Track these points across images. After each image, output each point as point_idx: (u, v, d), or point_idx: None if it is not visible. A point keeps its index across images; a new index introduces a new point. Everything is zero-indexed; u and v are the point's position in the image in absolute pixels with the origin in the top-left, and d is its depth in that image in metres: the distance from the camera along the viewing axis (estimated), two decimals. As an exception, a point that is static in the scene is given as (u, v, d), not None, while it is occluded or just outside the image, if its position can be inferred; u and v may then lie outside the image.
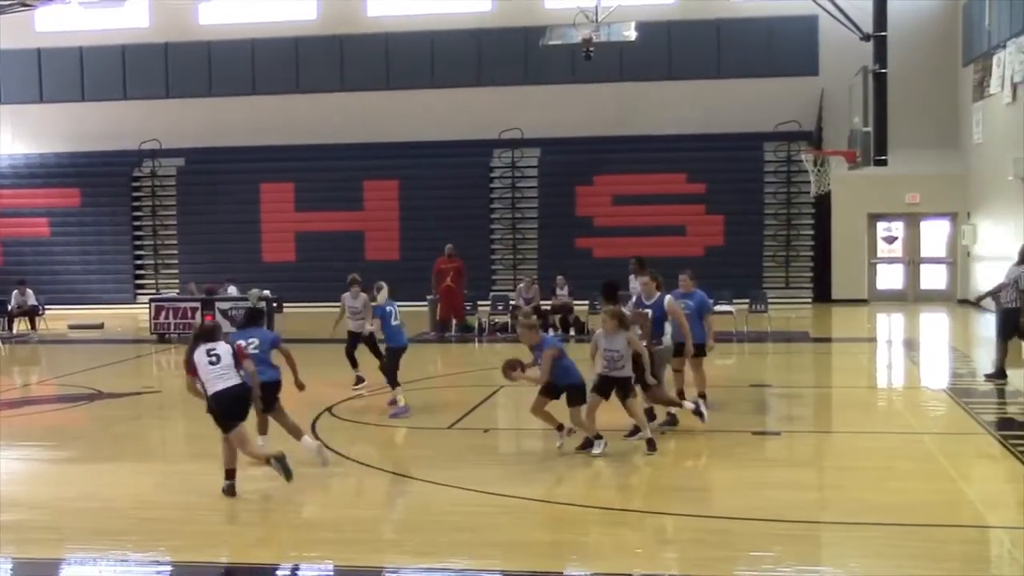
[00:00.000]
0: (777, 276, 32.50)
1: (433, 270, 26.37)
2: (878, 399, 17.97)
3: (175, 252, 35.35)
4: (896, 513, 10.20)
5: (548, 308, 25.72)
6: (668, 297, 14.30)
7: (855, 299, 31.84)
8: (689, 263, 30.48)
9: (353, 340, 17.71)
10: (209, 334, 11.40)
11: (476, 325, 26.24)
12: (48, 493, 12.08)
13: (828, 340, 25.45)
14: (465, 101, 34.03)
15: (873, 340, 25.48)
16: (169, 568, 9.63)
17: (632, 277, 18.91)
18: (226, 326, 21.54)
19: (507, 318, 25.97)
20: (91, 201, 35.53)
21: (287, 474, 11.15)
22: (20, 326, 28.25)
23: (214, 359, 11.16)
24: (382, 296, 16.35)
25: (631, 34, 26.49)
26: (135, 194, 35.81)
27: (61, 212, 35.51)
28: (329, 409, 15.83)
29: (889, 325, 28.49)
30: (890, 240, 32.89)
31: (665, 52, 32.94)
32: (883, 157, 19.56)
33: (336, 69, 34.85)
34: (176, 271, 34.87)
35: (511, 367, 12.75)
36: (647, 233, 31.92)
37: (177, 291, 31.44)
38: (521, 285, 27.09)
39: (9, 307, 28.15)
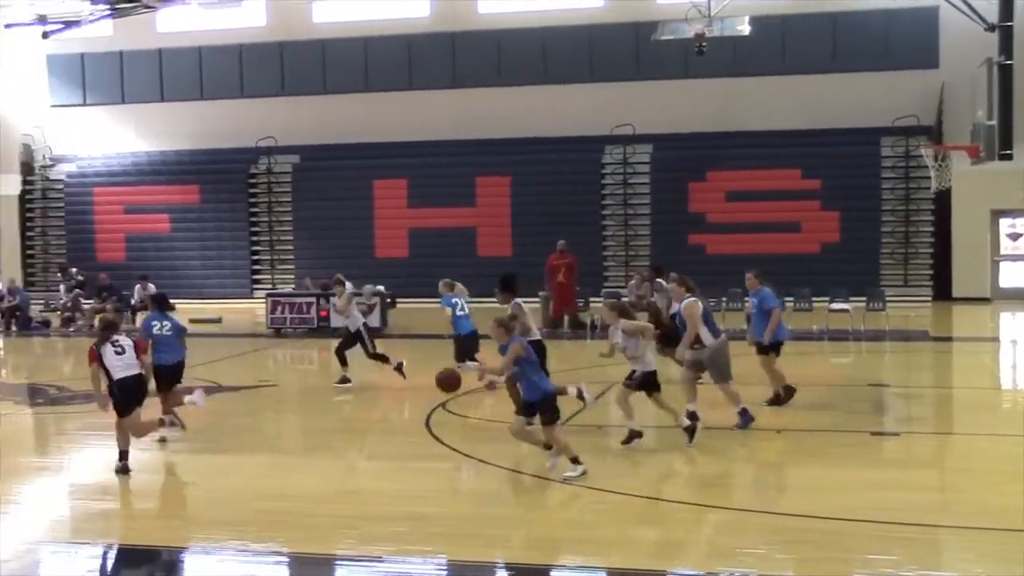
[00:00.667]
0: (895, 274, 31.87)
1: (545, 266, 26.40)
2: (1001, 400, 17.54)
3: (291, 248, 35.88)
4: (1017, 518, 9.95)
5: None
6: (686, 301, 14.15)
7: (977, 297, 31.06)
8: (804, 260, 30.56)
9: (347, 339, 18.47)
10: (115, 327, 12.77)
11: (589, 322, 26.16)
12: (170, 483, 12.36)
13: (948, 339, 24.88)
14: (577, 97, 33.95)
15: (996, 340, 24.87)
16: (287, 559, 9.79)
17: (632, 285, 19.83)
18: (338, 320, 21.73)
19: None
20: (210, 198, 36.24)
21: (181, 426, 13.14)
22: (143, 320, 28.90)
23: (120, 350, 12.35)
24: (459, 289, 17.78)
25: (744, 28, 26.20)
26: (252, 191, 36.43)
27: (181, 208, 36.28)
28: (443, 404, 15.93)
29: (1013, 324, 27.77)
30: (1014, 237, 32.02)
31: (779, 46, 32.46)
32: (1008, 151, 19.11)
33: (448, 66, 35.02)
34: (292, 267, 35.40)
35: (451, 381, 12.48)
36: (761, 230, 31.56)
37: (293, 286, 31.91)
38: (632, 282, 26.96)
39: (132, 301, 28.85)
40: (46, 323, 29.38)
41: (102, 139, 37.64)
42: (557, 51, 34.12)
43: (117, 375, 12.31)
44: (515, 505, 11.39)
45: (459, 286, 18.00)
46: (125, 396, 12.35)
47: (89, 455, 14.37)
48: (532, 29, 34.15)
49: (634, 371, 13.22)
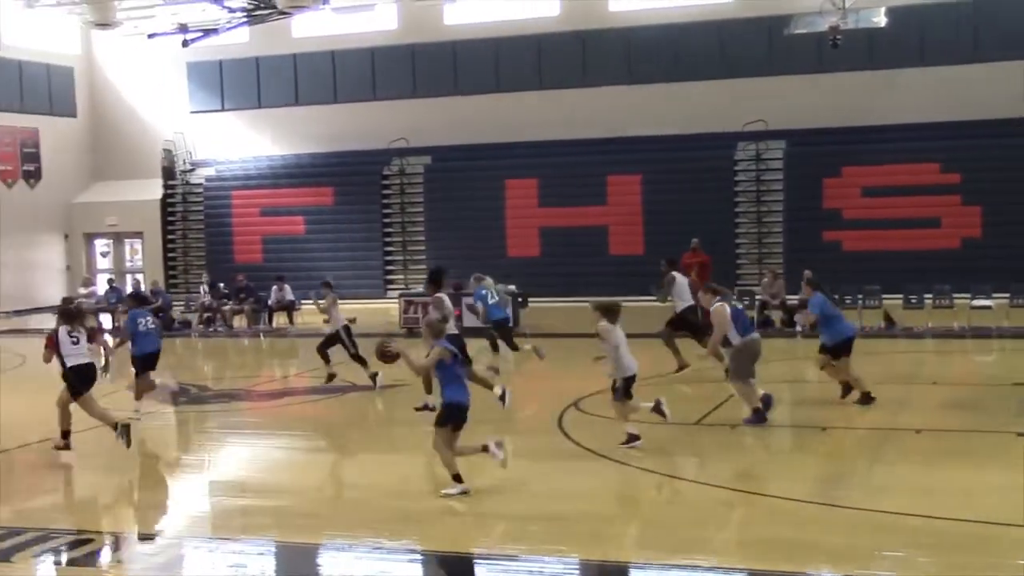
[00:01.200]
0: (1040, 269, 30.82)
1: (680, 264, 26.13)
2: None
3: (423, 248, 36.18)
4: None
5: (795, 303, 25.15)
6: (716, 305, 14.52)
7: None
8: (944, 256, 29.73)
9: (328, 338, 19.44)
10: (71, 317, 13.87)
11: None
12: (307, 481, 12.55)
13: (1097, 336, 23.99)
14: (708, 93, 33.56)
15: None
16: (422, 557, 9.85)
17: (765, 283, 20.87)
18: (471, 320, 21.97)
19: (753, 313, 25.53)
20: (343, 199, 36.75)
21: (127, 442, 13.25)
22: (279, 320, 29.49)
23: (75, 339, 13.56)
24: (487, 282, 19.80)
25: (881, 20, 25.64)
26: (384, 192, 36.84)
27: (315, 210, 36.87)
28: (575, 403, 15.89)
29: None
30: None
31: (917, 37, 31.64)
32: None
33: (578, 65, 34.95)
34: (424, 267, 35.66)
35: (385, 349, 12.76)
36: (899, 226, 30.79)
37: (424, 287, 32.16)
38: (765, 280, 26.61)
39: (269, 302, 29.42)
40: (187, 324, 30.12)
41: (239, 143, 38.48)
42: (688, 47, 33.79)
43: (71, 362, 13.48)
44: (647, 505, 11.29)
45: (487, 279, 19.93)
46: (79, 381, 13.51)
47: (229, 453, 14.69)
48: (662, 25, 33.88)
49: (615, 381, 13.10)
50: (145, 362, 16.64)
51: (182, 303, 32.21)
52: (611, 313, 13.18)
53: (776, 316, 25.60)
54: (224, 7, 29.79)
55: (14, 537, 10.23)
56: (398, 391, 18.14)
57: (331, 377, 18.90)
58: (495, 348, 19.89)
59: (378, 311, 33.23)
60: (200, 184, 38.65)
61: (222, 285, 30.47)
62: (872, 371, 15.30)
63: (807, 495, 11.07)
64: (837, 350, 15.44)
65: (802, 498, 10.87)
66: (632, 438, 13.06)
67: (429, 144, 36.06)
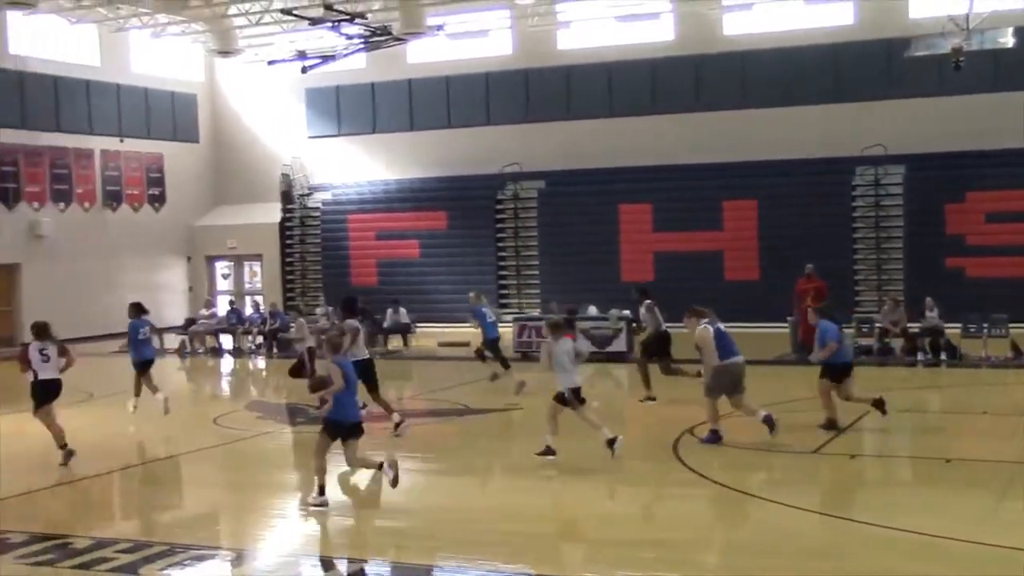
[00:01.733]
0: None
1: (793, 291, 25.82)
2: None
3: (536, 272, 36.26)
4: None
5: (916, 331, 24.64)
6: (699, 328, 14.99)
7: None
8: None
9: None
10: (42, 334, 14.73)
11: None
12: (423, 502, 12.60)
13: None
14: (825, 117, 33.10)
15: None
16: (534, 581, 9.83)
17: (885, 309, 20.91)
18: (585, 345, 21.89)
19: (872, 340, 25.06)
20: (457, 223, 37.00)
21: (65, 462, 14.29)
22: (394, 343, 29.76)
23: (45, 357, 14.60)
24: (485, 300, 22.96)
25: (1008, 40, 25.05)
26: (498, 216, 37.01)
27: (429, 234, 37.17)
28: (691, 429, 15.73)
29: None
30: None
31: (1046, 57, 30.84)
32: None
33: (692, 89, 34.77)
34: (537, 291, 35.76)
35: (319, 386, 12.55)
36: (1025, 252, 30.06)
37: (539, 310, 32.21)
38: (885, 307, 26.10)
39: (384, 325, 29.71)
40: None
41: (355, 168, 39.02)
42: (804, 70, 33.38)
43: (41, 376, 14.62)
44: (762, 533, 11.09)
45: (484, 298, 23.27)
46: (44, 394, 14.69)
47: (344, 473, 14.82)
48: (778, 49, 33.53)
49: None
50: (144, 367, 18.50)
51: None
52: (556, 329, 14.17)
53: (896, 344, 25.04)
54: (341, 34, 30.23)
55: (142, 550, 10.47)
56: (511, 415, 18.15)
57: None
58: (506, 366, 21.93)
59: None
60: (317, 208, 39.26)
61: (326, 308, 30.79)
62: (1000, 402, 14.87)
63: (926, 527, 10.67)
64: (839, 373, 15.71)
65: (918, 530, 10.49)
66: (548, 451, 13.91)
67: (543, 169, 36.14)
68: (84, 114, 35.73)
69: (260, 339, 30.57)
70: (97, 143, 36.14)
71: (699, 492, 12.63)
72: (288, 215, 39.51)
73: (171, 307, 37.82)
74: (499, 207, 36.98)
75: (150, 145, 38.06)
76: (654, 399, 18.69)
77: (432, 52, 37.21)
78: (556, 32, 36.47)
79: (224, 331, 31.60)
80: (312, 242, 39.32)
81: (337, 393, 11.96)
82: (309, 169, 39.52)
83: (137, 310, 18.98)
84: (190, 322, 32.23)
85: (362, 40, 30.89)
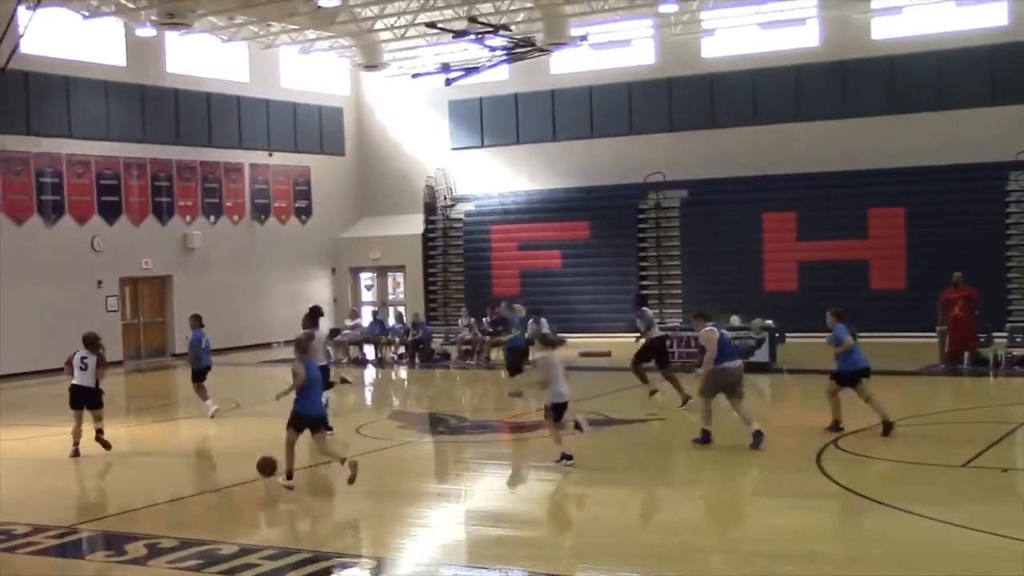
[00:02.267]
0: None
1: (940, 300, 25.16)
2: None
3: (678, 282, 36.00)
4: None
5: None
6: (704, 329, 16.05)
7: None
8: None
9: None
10: (89, 345, 16.80)
11: (991, 358, 24.65)
12: (562, 512, 12.64)
13: None
14: (976, 122, 32.19)
15: None
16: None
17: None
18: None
19: (1025, 351, 24.30)
20: (599, 233, 36.94)
21: (74, 452, 16.54)
22: (536, 353, 29.76)
23: (84, 366, 16.63)
24: (518, 309, 24.71)
25: None
26: (640, 226, 36.85)
27: (571, 244, 37.20)
28: (836, 441, 15.46)
29: None
30: None
31: None
32: None
33: (838, 95, 34.15)
34: (679, 301, 35.50)
35: (268, 468, 13.77)
36: None
37: (680, 320, 31.98)
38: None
39: (525, 335, 29.76)
40: (446, 355, 30.83)
41: (498, 178, 39.31)
42: (954, 74, 32.53)
43: (75, 381, 16.68)
44: (909, 549, 10.80)
45: (518, 307, 25.26)
46: (76, 398, 16.66)
47: (485, 483, 14.94)
48: (927, 53, 32.74)
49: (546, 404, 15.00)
50: (204, 374, 20.66)
51: (442, 335, 32.99)
52: (550, 344, 15.33)
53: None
54: (485, 46, 30.54)
55: (286, 557, 10.70)
56: (652, 426, 18.05)
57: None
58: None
59: (633, 345, 33.23)
60: (460, 219, 39.63)
61: (485, 320, 31.07)
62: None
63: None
64: (851, 379, 16.28)
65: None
66: (564, 457, 14.63)
67: (685, 178, 35.89)
68: (234, 129, 36.74)
69: (403, 349, 31.01)
70: (246, 157, 37.11)
71: (844, 504, 12.40)
72: (431, 226, 39.95)
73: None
74: (641, 216, 36.84)
75: (297, 159, 38.94)
76: (656, 391, 20.63)
77: (575, 62, 37.31)
78: (700, 40, 36.19)
79: (368, 341, 32.11)
80: (455, 253, 39.68)
81: (301, 389, 13.69)
82: (452, 180, 39.93)
83: (197, 321, 20.83)
84: (335, 332, 32.77)
85: (505, 52, 31.16)
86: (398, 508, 13.17)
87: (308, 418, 13.70)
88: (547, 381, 14.87)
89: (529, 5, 32.41)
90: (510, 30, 30.39)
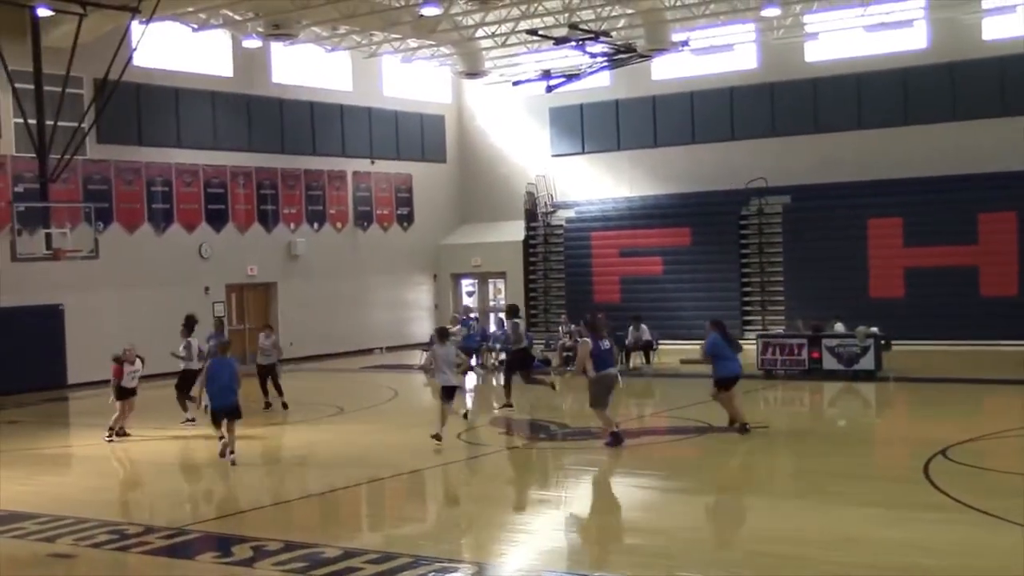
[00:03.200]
0: None
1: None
2: None
3: (781, 289, 35.57)
4: None
5: None
6: (580, 341, 17.97)
7: None
8: None
9: (263, 374, 22.76)
10: (133, 360, 19.82)
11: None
12: (663, 520, 12.54)
13: None
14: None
15: None
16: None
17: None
18: (831, 363, 21.44)
19: None
20: (700, 239, 36.67)
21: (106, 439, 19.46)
22: (636, 360, 29.71)
23: (132, 374, 19.73)
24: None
25: None
26: (742, 232, 36.49)
27: (673, 251, 36.96)
28: (943, 451, 15.14)
29: None
30: None
31: None
32: None
33: (947, 98, 33.46)
34: (782, 307, 35.08)
35: None
36: None
37: (784, 327, 31.60)
38: None
39: (626, 341, 29.68)
40: (547, 362, 30.78)
41: (598, 185, 39.24)
42: (1071, 75, 31.70)
43: (123, 383, 19.64)
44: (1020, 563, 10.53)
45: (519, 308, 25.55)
46: (122, 394, 19.65)
47: (585, 490, 14.90)
48: (1039, 54, 31.99)
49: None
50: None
51: (542, 342, 32.97)
52: (441, 335, 18.67)
53: None
54: (586, 53, 30.51)
55: (387, 562, 10.76)
56: (754, 434, 17.86)
57: (268, 405, 22.61)
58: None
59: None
60: (560, 225, 39.61)
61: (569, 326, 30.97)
62: None
63: None
64: (725, 384, 17.78)
65: None
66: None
67: (788, 183, 35.46)
68: (337, 137, 37.18)
69: (503, 355, 31.02)
70: (349, 165, 37.54)
71: (952, 517, 12.12)
72: (532, 233, 39.98)
73: (418, 323, 38.94)
74: (743, 223, 36.48)
75: (399, 166, 39.28)
76: (511, 406, 21.94)
77: (676, 68, 37.10)
78: (803, 44, 35.75)
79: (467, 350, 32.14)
80: (555, 259, 39.68)
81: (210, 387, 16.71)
82: (553, 187, 39.94)
83: (190, 330, 21.56)
84: (443, 333, 32.90)
85: (606, 58, 31.06)
86: (498, 514, 13.19)
87: (225, 410, 16.58)
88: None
89: (630, 11, 32.28)
90: (611, 36, 30.30)
